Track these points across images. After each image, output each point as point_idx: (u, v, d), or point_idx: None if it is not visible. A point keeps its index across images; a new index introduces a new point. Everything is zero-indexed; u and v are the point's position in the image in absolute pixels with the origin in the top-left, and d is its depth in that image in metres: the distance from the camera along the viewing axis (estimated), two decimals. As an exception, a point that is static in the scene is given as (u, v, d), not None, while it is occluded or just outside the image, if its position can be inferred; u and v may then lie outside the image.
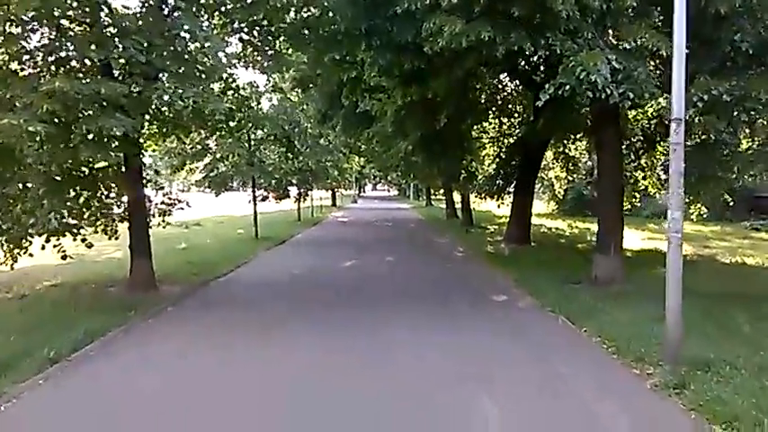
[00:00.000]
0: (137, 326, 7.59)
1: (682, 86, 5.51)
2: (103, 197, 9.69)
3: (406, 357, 6.24)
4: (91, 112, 7.06)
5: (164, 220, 11.64)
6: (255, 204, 19.11)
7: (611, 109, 9.93)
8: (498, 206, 19.19)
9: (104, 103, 7.01)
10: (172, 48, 7.18)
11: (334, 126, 20.62)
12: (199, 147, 18.04)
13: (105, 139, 7.29)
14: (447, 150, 15.98)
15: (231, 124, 12.37)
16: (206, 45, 7.27)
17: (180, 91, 6.96)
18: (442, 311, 8.48)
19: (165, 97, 6.87)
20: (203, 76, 7.77)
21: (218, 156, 17.78)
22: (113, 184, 9.62)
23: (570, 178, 28.67)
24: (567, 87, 7.42)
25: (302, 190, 28.17)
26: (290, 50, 11.41)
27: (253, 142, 18.46)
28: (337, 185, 45.04)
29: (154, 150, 18.40)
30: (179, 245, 16.80)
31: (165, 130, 10.25)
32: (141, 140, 10.96)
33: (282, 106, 18.61)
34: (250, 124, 14.38)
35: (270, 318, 8.10)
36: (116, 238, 10.84)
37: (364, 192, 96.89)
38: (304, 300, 9.47)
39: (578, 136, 19.85)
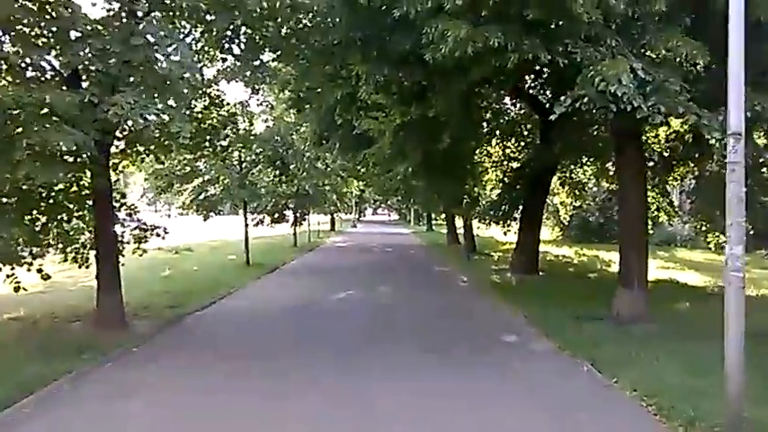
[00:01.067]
0: (90, 372, 6.48)
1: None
2: (63, 222, 8.65)
3: (402, 428, 5.12)
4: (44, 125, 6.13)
5: (138, 247, 10.59)
6: (247, 229, 18.06)
7: (632, 126, 8.98)
8: (504, 233, 18.15)
9: (55, 116, 6.04)
10: (135, 57, 6.20)
11: (330, 148, 19.66)
12: (187, 168, 17.12)
13: (57, 155, 6.31)
14: (449, 174, 14.99)
15: (220, 144, 11.42)
16: (173, 56, 6.28)
17: (139, 106, 5.97)
18: (446, 358, 7.35)
19: (121, 112, 5.87)
20: (173, 90, 6.78)
21: (206, 178, 16.79)
22: (74, 208, 8.58)
23: (576, 204, 27.72)
24: (586, 99, 6.43)
25: (298, 214, 27.16)
26: (278, 64, 10.48)
27: (244, 164, 17.51)
28: (336, 210, 44.07)
29: (140, 171, 17.56)
30: (164, 272, 15.77)
31: (135, 149, 9.26)
32: (112, 161, 10.13)
33: (276, 127, 17.67)
34: (239, 145, 13.41)
35: (243, 366, 6.96)
36: (86, 267, 9.82)
37: (364, 216, 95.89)
38: (286, 343, 8.29)
39: (586, 160, 18.97)
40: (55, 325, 8.98)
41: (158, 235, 10.92)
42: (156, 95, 6.54)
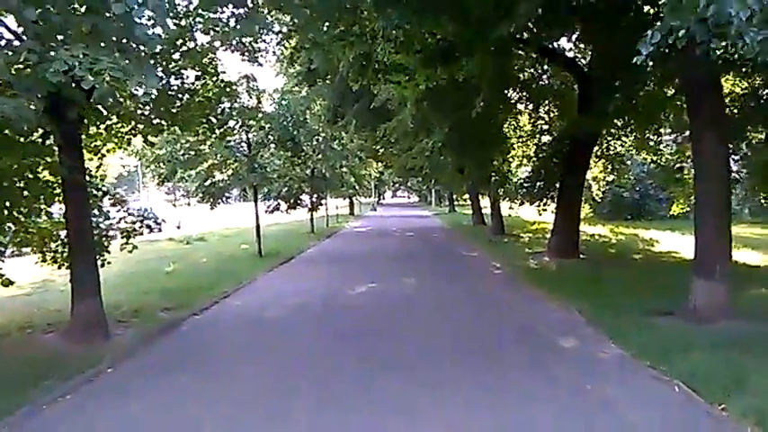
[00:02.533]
0: (36, 414, 5.05)
1: None
2: (25, 216, 7.27)
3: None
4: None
5: (127, 242, 9.22)
6: (258, 217, 16.65)
7: (711, 78, 7.31)
8: (539, 213, 16.48)
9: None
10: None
11: (346, 125, 18.15)
12: (191, 152, 15.74)
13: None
14: (478, 148, 13.38)
15: (217, 118, 9.93)
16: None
17: (88, 61, 4.48)
18: (494, 376, 5.85)
19: (64, 68, 4.40)
20: (134, 46, 5.27)
21: (212, 162, 15.38)
22: (39, 199, 7.19)
23: (609, 179, 25.81)
24: (681, 33, 4.75)
25: (315, 199, 25.74)
26: (273, 12, 8.87)
27: (252, 146, 16.05)
28: (355, 193, 42.59)
29: (139, 158, 16.24)
30: (168, 266, 14.47)
31: (107, 124, 7.83)
32: (93, 142, 8.75)
33: (285, 103, 16.12)
34: (238, 121, 11.94)
35: (243, 389, 5.55)
36: (67, 267, 8.47)
37: (384, 199, 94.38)
38: (297, 353, 6.85)
39: (627, 130, 17.16)
40: (25, 338, 7.65)
41: (149, 227, 9.51)
42: (115, 50, 5.05)
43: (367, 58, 8.97)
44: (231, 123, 14.93)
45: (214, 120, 9.73)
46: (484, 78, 9.51)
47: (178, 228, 34.17)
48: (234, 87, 10.03)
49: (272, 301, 10.21)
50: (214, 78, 9.15)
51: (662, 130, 18.37)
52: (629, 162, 22.15)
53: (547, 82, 16.04)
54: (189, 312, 9.03)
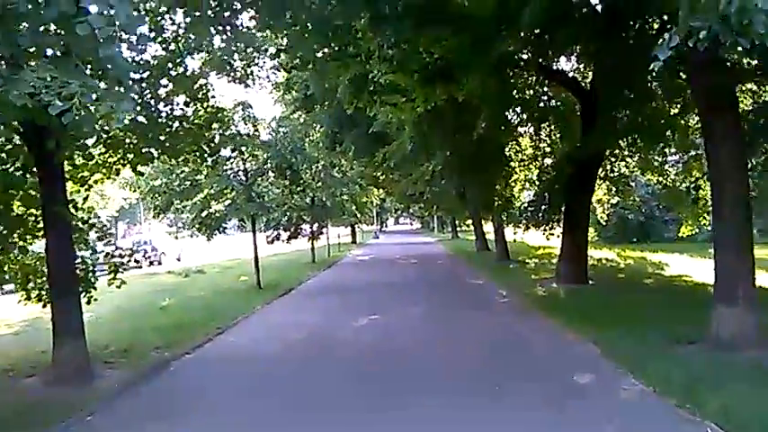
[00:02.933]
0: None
1: None
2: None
3: None
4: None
5: (114, 278, 8.77)
6: (256, 248, 16.21)
7: (728, 89, 6.95)
8: (547, 238, 16.02)
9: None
10: (47, 14, 4.35)
11: (345, 151, 17.83)
12: (187, 183, 15.39)
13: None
14: (480, 171, 12.99)
15: (209, 146, 9.57)
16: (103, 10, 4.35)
17: (57, 84, 4.11)
18: (501, 411, 5.37)
19: (28, 90, 4.02)
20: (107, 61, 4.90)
21: (208, 192, 15.00)
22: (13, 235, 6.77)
23: (614, 201, 25.40)
24: (703, 34, 4.34)
25: (315, 228, 25.33)
26: (264, 33, 8.51)
27: (250, 173, 15.70)
28: (356, 221, 42.21)
29: (133, 190, 15.88)
30: (164, 300, 14.01)
31: (87, 153, 7.46)
32: (80, 173, 8.39)
33: (282, 130, 15.81)
34: (231, 147, 11.59)
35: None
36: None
37: (386, 226, 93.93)
38: (289, 398, 6.29)
39: (630, 151, 16.84)
40: (6, 381, 7.17)
41: (137, 262, 9.08)
42: (88, 73, 4.69)
43: (363, 79, 8.65)
44: (225, 152, 14.69)
45: (206, 148, 9.36)
46: (485, 98, 9.18)
47: (178, 260, 33.72)
48: (226, 113, 9.72)
49: (268, 337, 9.69)
50: (205, 104, 8.82)
51: (667, 150, 18.08)
52: (632, 183, 21.73)
53: (548, 103, 15.72)
54: (181, 351, 8.52)
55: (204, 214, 15.32)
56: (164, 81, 7.87)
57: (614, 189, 20.22)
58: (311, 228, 25.01)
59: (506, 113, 12.47)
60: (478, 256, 26.03)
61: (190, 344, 8.93)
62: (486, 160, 12.46)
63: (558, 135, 17.14)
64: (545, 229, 15.43)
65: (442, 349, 8.35)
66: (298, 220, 23.77)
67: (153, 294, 15.66)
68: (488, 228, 30.70)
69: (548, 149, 17.26)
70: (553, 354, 7.76)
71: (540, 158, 16.68)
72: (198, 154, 9.26)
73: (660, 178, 19.57)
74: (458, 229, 50.30)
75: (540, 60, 10.42)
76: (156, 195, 15.55)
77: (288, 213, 19.71)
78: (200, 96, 8.63)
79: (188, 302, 13.50)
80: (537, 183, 17.58)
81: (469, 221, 42.41)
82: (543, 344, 8.43)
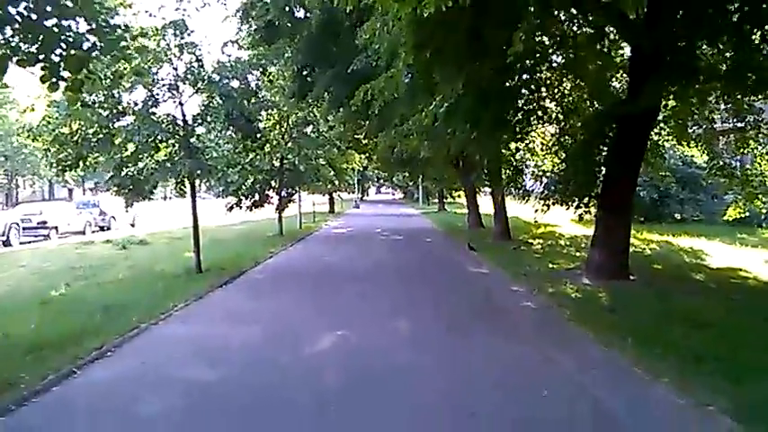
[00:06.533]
0: None
1: None
2: None
3: None
4: None
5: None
6: (196, 220, 12.39)
7: None
8: (580, 217, 12.46)
9: None
10: None
11: (317, 98, 13.91)
12: (104, 132, 11.48)
13: None
14: (500, 125, 9.31)
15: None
16: None
17: None
18: None
19: None
20: None
21: (128, 141, 11.13)
22: None
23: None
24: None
25: (284, 195, 21.54)
26: None
27: (187, 123, 11.81)
28: (334, 188, 38.40)
29: (31, 138, 11.98)
30: (60, 287, 10.31)
31: None
32: None
33: (230, 65, 11.80)
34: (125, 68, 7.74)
35: None
36: None
37: (367, 195, 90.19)
38: None
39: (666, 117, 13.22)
40: None
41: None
42: None
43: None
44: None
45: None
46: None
47: (132, 225, 29.84)
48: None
49: (161, 375, 5.82)
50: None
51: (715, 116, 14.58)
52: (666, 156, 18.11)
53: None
54: (18, 395, 4.89)
55: (124, 173, 11.43)
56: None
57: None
58: (279, 195, 21.22)
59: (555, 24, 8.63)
60: (472, 233, 22.33)
61: (37, 381, 5.26)
62: (509, 103, 8.74)
63: (585, 89, 13.36)
64: (579, 207, 11.81)
65: (442, 404, 4.75)
66: (262, 186, 19.99)
67: (60, 275, 11.94)
68: (480, 201, 27.20)
69: (571, 106, 13.48)
70: (634, 411, 4.24)
71: (565, 117, 12.92)
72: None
73: (699, 149, 16.07)
74: (444, 201, 46.78)
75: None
76: (63, 147, 11.61)
77: (243, 176, 15.83)
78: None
79: (88, 294, 9.73)
80: (557, 147, 13.97)
81: (459, 193, 38.96)
82: (623, 410, 4.79)
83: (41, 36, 4.98)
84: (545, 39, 10.03)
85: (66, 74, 5.30)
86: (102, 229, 27.54)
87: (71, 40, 5.16)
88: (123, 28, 5.47)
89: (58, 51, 5.28)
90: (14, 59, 5.05)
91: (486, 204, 26.55)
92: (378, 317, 8.37)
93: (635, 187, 11.62)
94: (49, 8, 4.88)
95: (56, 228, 23.14)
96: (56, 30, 5.17)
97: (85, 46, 5.45)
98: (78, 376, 5.69)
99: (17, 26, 4.92)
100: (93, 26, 5.11)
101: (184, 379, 5.68)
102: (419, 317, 8.35)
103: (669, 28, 9.20)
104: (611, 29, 10.97)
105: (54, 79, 5.20)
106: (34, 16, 4.85)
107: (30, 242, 21.20)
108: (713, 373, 5.22)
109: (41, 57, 5.10)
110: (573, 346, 6.68)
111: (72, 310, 8.30)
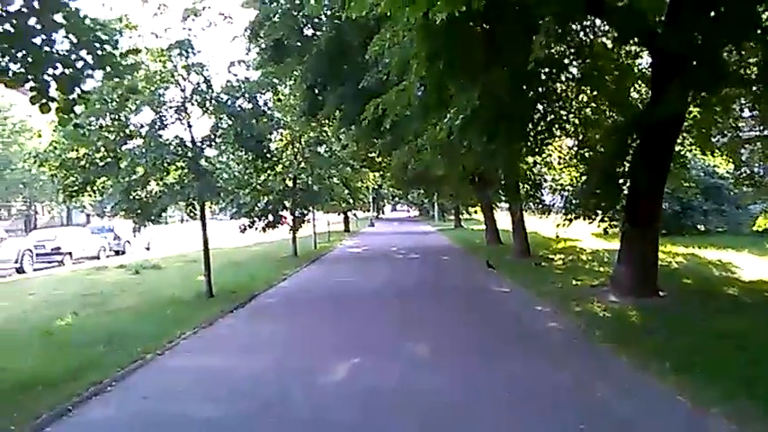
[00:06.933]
0: None
1: None
2: None
3: None
4: None
5: None
6: (207, 244, 12.07)
7: None
8: (605, 230, 11.91)
9: None
10: None
11: (327, 116, 13.65)
12: (111, 156, 11.27)
13: None
14: (515, 136, 8.89)
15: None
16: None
17: None
18: None
19: None
20: None
21: (135, 164, 10.87)
22: None
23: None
24: None
25: (297, 215, 21.23)
26: None
27: (196, 143, 11.56)
28: (349, 207, 38.09)
29: (40, 165, 11.82)
30: (70, 314, 10.04)
31: None
32: None
33: (238, 86, 11.55)
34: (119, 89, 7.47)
35: None
36: None
37: (383, 213, 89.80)
38: None
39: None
40: None
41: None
42: None
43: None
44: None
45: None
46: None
47: (147, 249, 29.78)
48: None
49: (162, 412, 5.37)
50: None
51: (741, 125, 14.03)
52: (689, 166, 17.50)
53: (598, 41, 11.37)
54: None
55: (132, 197, 11.16)
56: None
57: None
58: (293, 215, 20.92)
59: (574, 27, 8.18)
60: (491, 250, 21.83)
61: (29, 417, 4.90)
62: (526, 114, 8.30)
63: (602, 99, 12.87)
64: (602, 220, 11.28)
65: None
66: (276, 206, 19.69)
67: (69, 303, 11.68)
68: (497, 216, 26.68)
69: (592, 116, 13.01)
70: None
71: (585, 129, 12.43)
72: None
73: (725, 159, 15.47)
74: (461, 217, 46.22)
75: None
76: (70, 172, 11.41)
77: (255, 197, 15.52)
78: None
79: (95, 323, 9.41)
80: (576, 160, 13.50)
81: (476, 209, 38.47)
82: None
83: (29, 54, 4.69)
84: (562, 47, 9.59)
85: (57, 94, 4.99)
86: (116, 253, 27.50)
87: (61, 58, 4.87)
88: (113, 43, 5.16)
89: (50, 71, 5.03)
90: (2, 79, 4.76)
91: (503, 220, 26.02)
92: (393, 340, 7.93)
93: (662, 199, 11.08)
94: (36, 25, 4.58)
95: (70, 253, 23.00)
96: (46, 48, 4.89)
97: (79, 65, 5.18)
98: (73, 416, 5.31)
99: (4, 45, 4.63)
100: (81, 40, 4.80)
101: (186, 416, 5.27)
102: (437, 343, 7.86)
103: (691, 30, 8.77)
104: (630, 36, 10.57)
105: (44, 100, 4.90)
106: (20, 33, 4.55)
107: (43, 268, 21.04)
108: (715, 385, 4.76)
109: (30, 77, 4.81)
110: (607, 371, 6.16)
111: (75, 341, 7.96)
